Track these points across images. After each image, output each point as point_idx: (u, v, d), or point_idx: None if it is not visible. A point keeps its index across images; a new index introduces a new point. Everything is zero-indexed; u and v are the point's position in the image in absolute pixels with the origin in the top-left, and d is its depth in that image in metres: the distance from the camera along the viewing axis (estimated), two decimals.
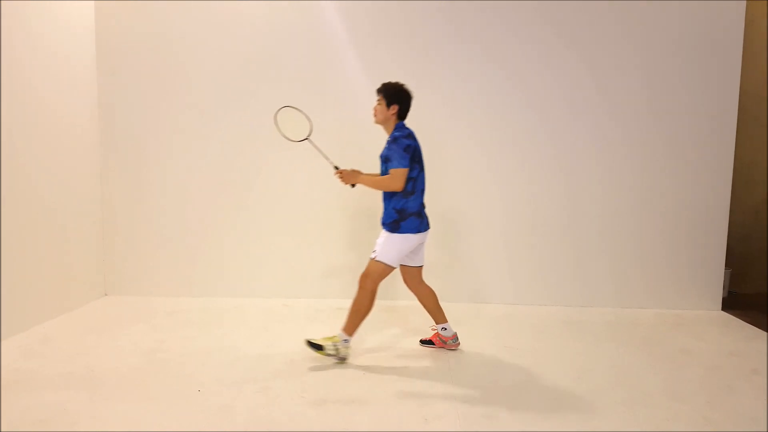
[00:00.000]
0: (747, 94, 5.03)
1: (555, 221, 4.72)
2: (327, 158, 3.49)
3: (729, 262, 5.00)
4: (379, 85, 3.42)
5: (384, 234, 3.40)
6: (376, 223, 4.73)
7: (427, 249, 4.80)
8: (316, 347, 3.35)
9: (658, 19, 4.51)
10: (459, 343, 3.66)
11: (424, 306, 3.66)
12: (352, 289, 4.72)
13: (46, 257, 4.12)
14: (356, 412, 2.74)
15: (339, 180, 3.43)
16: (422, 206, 3.41)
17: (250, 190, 4.79)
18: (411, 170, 3.30)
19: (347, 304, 4.57)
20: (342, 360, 3.38)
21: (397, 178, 3.24)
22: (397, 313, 4.46)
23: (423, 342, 3.75)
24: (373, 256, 3.38)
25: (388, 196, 3.37)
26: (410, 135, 3.34)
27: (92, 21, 4.66)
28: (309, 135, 3.58)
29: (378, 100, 3.40)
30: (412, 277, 3.62)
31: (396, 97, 3.35)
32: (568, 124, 4.64)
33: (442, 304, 3.65)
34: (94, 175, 4.73)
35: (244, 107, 4.71)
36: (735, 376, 3.28)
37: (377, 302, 4.66)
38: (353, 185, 3.46)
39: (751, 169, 5.37)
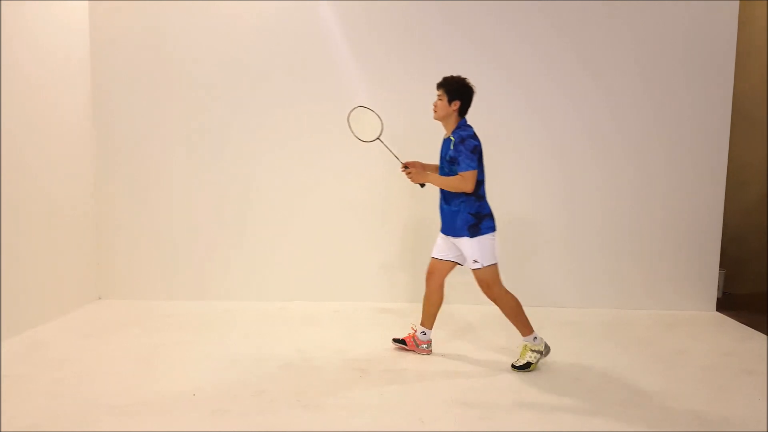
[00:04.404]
0: (740, 95, 5.05)
1: (551, 222, 4.72)
2: (397, 157, 3.42)
3: (723, 263, 5.01)
4: (439, 80, 3.28)
5: (466, 241, 3.25)
6: (372, 224, 4.76)
7: (423, 248, 4.79)
8: (524, 367, 3.29)
9: (651, 18, 4.52)
10: (431, 351, 3.56)
11: (426, 304, 3.52)
12: (347, 292, 4.78)
13: (39, 260, 4.09)
14: (352, 414, 2.73)
15: (408, 178, 3.32)
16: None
17: (246, 193, 4.77)
18: (479, 172, 3.21)
19: (342, 306, 4.61)
20: (547, 354, 3.36)
21: (468, 180, 3.15)
22: (394, 314, 4.45)
23: (396, 341, 3.65)
24: (475, 266, 3.25)
25: (459, 203, 3.24)
26: (475, 134, 3.24)
27: (86, 19, 4.62)
28: (380, 135, 3.50)
29: (438, 95, 3.26)
30: (440, 271, 3.45)
31: (458, 92, 3.22)
32: (565, 125, 4.64)
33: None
34: (88, 177, 4.70)
35: (241, 108, 4.69)
36: (730, 376, 3.29)
37: (375, 304, 4.70)
38: (422, 185, 3.36)
39: (744, 170, 5.39)
